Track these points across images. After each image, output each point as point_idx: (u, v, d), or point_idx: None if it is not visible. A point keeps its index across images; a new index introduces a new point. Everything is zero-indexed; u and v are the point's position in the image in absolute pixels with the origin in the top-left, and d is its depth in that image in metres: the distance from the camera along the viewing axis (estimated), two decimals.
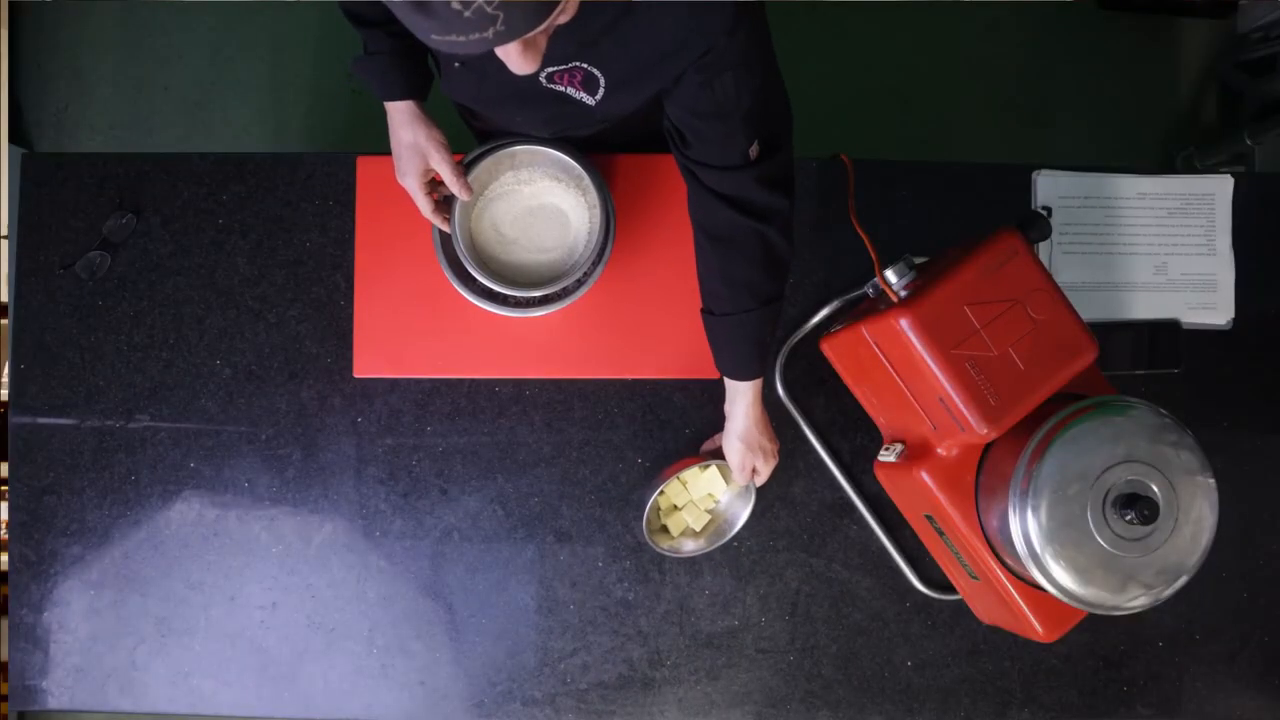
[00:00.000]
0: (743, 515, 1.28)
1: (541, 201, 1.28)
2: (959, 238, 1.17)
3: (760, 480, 1.24)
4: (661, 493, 1.29)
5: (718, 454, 1.25)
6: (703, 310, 1.14)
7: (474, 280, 1.26)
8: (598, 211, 1.23)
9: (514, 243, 1.28)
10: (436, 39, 0.69)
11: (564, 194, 1.28)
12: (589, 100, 1.03)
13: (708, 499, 1.29)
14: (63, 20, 2.39)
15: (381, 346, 1.33)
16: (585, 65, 0.97)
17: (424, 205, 1.19)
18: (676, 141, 1.04)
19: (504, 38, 0.70)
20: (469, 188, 1.18)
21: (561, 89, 1.02)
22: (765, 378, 1.18)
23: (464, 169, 1.19)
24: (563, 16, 0.74)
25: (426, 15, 0.66)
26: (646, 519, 1.25)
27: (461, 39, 0.68)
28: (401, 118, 1.15)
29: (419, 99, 1.15)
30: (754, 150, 1.01)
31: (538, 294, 1.24)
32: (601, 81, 0.99)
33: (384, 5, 1.12)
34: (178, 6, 2.38)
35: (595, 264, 1.26)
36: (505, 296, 1.27)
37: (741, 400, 1.18)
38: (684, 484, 1.29)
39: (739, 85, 0.94)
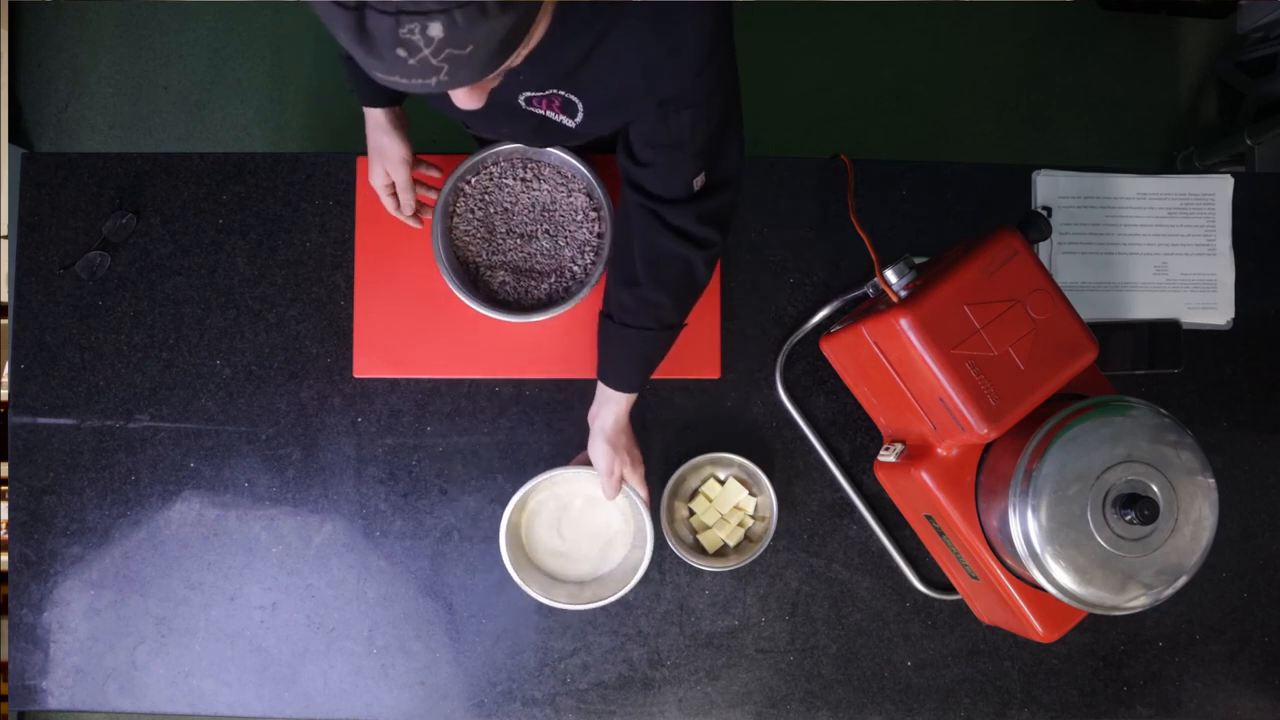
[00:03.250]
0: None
1: (584, 496, 1.28)
2: (959, 238, 1.17)
3: (635, 484, 1.21)
4: (692, 514, 1.31)
5: (585, 462, 1.22)
6: (602, 314, 1.15)
7: (475, 286, 1.26)
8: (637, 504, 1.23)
9: (566, 555, 1.28)
10: (381, 77, 0.67)
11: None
12: (569, 123, 1.03)
13: (736, 512, 1.30)
14: (63, 20, 2.39)
15: (381, 346, 1.33)
16: (563, 93, 0.98)
17: (387, 204, 1.26)
18: (628, 156, 1.05)
19: (448, 86, 0.69)
20: (413, 206, 1.24)
21: (541, 113, 1.03)
22: (640, 398, 1.19)
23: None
24: (515, 61, 0.73)
25: (369, 53, 0.65)
26: (675, 535, 1.27)
27: (404, 81, 0.67)
28: (371, 122, 1.20)
29: (390, 106, 1.19)
30: (699, 182, 1.03)
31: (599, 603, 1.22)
32: (580, 106, 1.00)
33: None
34: (178, 6, 2.38)
35: (595, 266, 1.25)
36: (507, 304, 1.26)
37: (613, 407, 1.17)
38: (710, 500, 1.29)
39: (695, 124, 0.96)
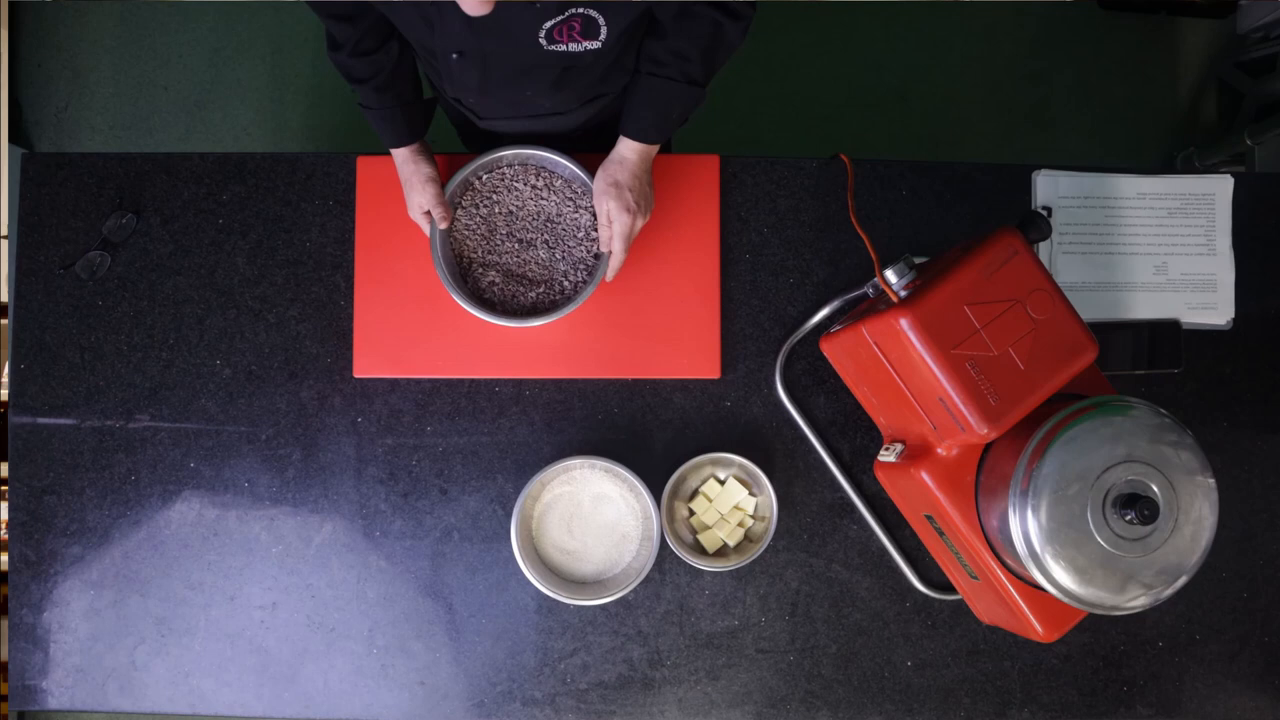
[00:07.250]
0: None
1: (593, 495, 1.30)
2: (959, 238, 1.17)
3: (617, 239, 1.21)
4: (692, 514, 1.31)
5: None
6: (640, 72, 1.17)
7: (463, 281, 1.26)
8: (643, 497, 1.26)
9: (574, 554, 1.30)
10: None
11: (607, 482, 1.30)
12: (594, 45, 1.05)
13: (736, 512, 1.30)
14: (63, 20, 2.39)
15: (381, 346, 1.33)
16: (582, 10, 0.99)
17: (429, 231, 1.26)
18: None
19: None
20: (447, 216, 1.24)
21: (564, 48, 1.04)
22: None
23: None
24: None
25: None
26: (675, 535, 1.27)
27: None
28: (399, 160, 1.25)
29: (410, 144, 1.23)
30: None
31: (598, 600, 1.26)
32: (601, 20, 1.01)
33: (369, 63, 1.14)
34: (178, 6, 2.38)
35: (585, 285, 1.26)
36: (491, 304, 1.26)
37: (625, 153, 1.20)
38: (710, 500, 1.30)
39: None
